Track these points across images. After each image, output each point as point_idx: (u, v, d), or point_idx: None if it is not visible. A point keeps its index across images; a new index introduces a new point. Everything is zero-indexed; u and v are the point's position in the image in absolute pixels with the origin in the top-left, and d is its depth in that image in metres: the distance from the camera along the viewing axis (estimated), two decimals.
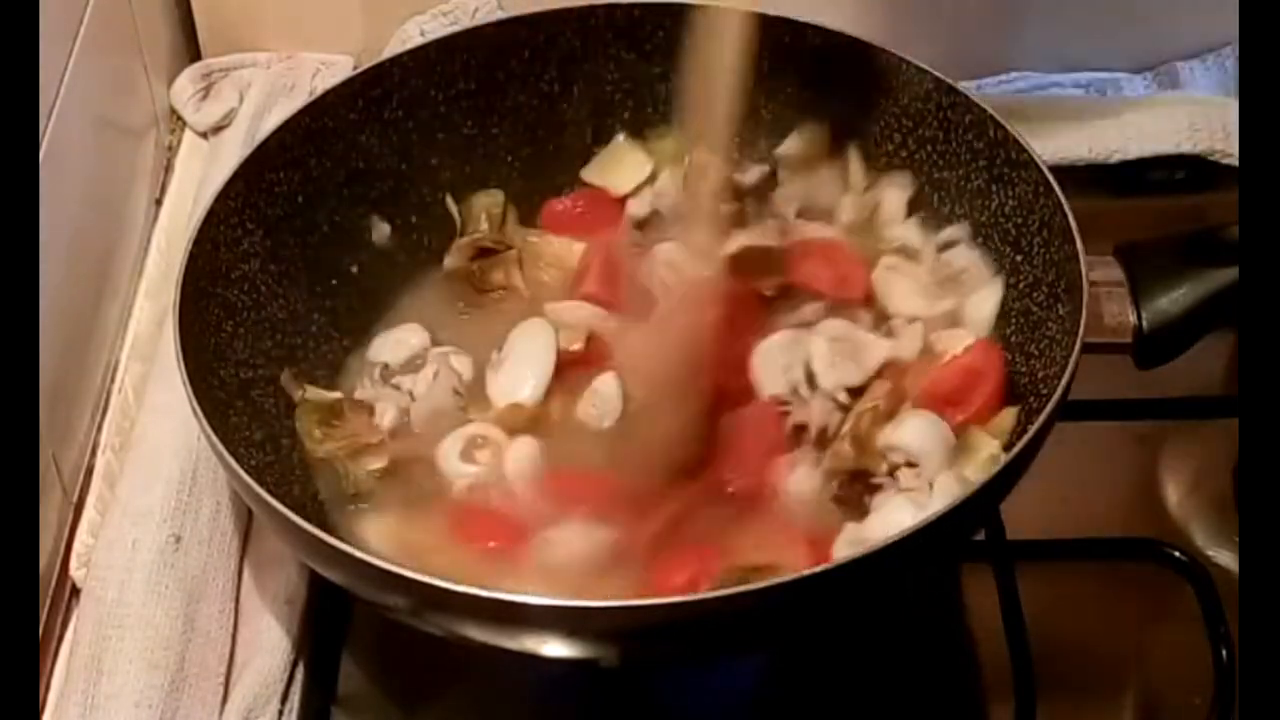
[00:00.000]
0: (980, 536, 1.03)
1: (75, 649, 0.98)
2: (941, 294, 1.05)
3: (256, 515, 0.99)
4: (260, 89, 1.32)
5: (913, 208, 1.10)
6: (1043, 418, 0.89)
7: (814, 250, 1.08)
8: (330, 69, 1.34)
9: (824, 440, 0.99)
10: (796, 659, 1.00)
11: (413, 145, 1.12)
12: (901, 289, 1.06)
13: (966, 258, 1.06)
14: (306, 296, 1.08)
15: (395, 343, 1.08)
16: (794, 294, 1.07)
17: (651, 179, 1.14)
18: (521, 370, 1.05)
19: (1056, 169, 1.01)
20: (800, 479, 0.98)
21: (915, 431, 0.96)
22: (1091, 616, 1.04)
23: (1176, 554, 1.04)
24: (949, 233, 1.07)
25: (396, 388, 1.05)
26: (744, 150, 1.11)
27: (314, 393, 1.04)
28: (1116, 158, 1.27)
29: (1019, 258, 1.03)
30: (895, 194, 1.10)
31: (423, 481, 1.01)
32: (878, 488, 0.97)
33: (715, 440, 0.99)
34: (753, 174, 1.11)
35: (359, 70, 1.12)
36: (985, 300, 1.04)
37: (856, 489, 0.97)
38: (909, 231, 1.09)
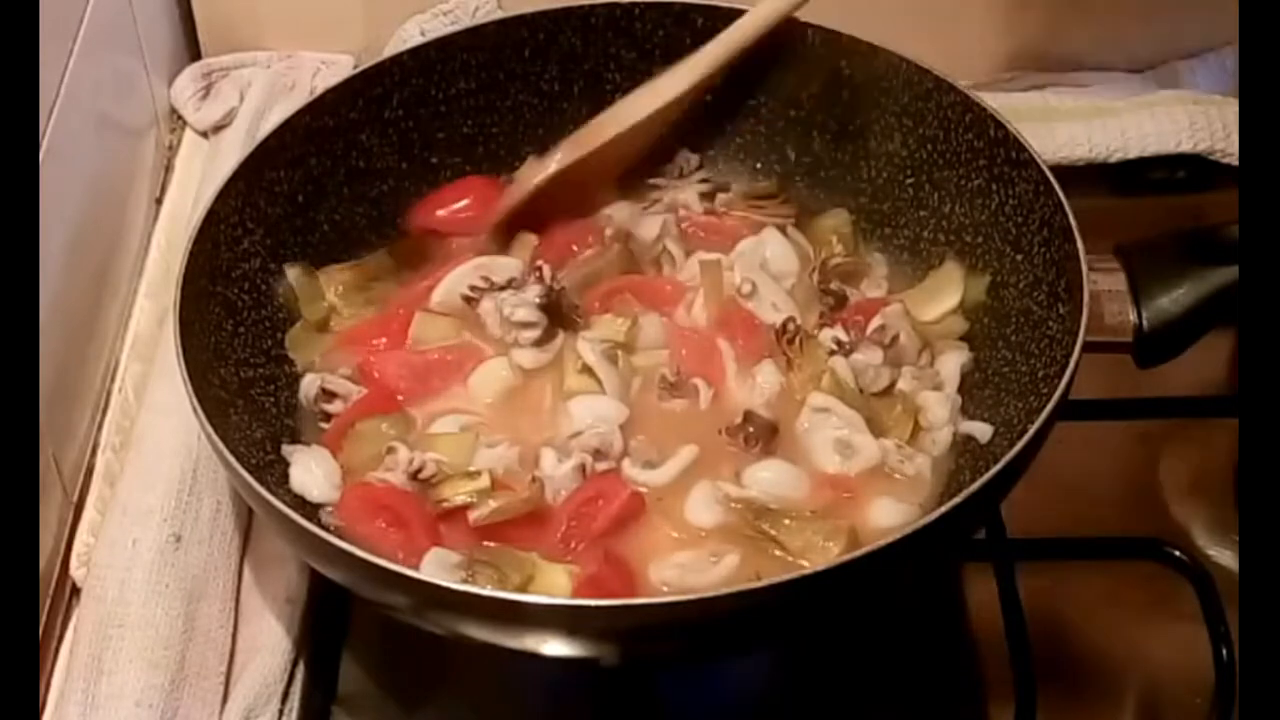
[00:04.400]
0: (980, 536, 1.03)
1: (75, 649, 0.98)
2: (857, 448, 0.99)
3: (257, 514, 0.99)
4: (260, 88, 1.32)
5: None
6: (1043, 417, 0.89)
7: None
8: (330, 68, 1.34)
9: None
10: (797, 658, 1.01)
11: (413, 145, 1.13)
12: (823, 440, 1.00)
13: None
14: None
15: None
16: None
17: None
18: None
19: (1056, 169, 1.01)
20: None
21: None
22: (1091, 616, 1.04)
23: (1176, 554, 1.04)
24: (970, 427, 1.01)
25: None
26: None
27: None
28: (1116, 158, 1.27)
29: (1019, 257, 1.03)
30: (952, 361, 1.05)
31: None
32: None
33: None
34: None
35: (359, 70, 1.12)
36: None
37: None
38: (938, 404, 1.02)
